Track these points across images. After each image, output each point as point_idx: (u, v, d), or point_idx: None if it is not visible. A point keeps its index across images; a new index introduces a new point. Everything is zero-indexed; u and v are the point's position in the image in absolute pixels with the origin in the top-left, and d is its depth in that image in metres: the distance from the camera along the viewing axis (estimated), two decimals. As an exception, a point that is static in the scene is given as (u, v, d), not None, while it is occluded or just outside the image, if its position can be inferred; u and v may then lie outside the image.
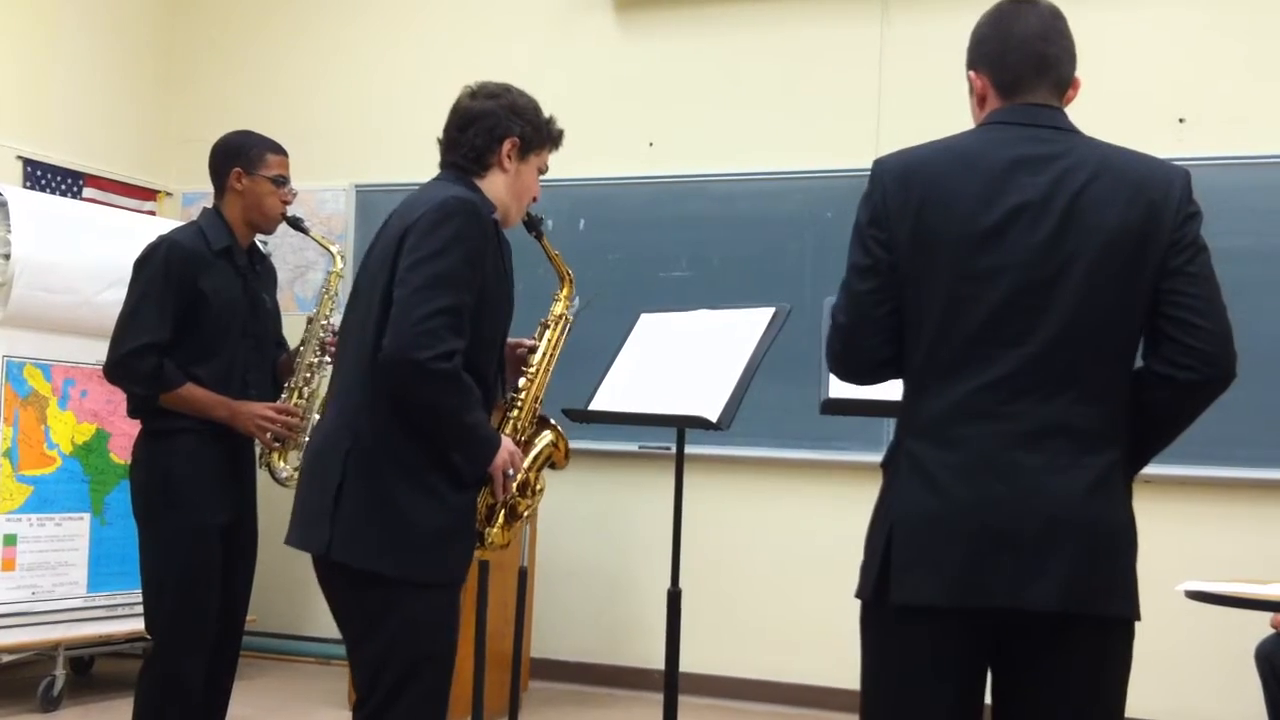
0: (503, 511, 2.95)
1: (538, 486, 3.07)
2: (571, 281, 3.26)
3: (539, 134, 2.98)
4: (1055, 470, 2.13)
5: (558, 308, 3.22)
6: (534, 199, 3.04)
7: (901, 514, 2.21)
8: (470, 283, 2.71)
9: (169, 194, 6.97)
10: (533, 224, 3.14)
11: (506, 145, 2.92)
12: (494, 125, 2.91)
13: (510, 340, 3.07)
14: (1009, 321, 2.15)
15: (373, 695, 2.74)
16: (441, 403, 2.69)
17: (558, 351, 3.19)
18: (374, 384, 2.73)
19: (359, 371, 2.78)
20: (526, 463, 3.02)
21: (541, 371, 3.13)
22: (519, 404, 3.08)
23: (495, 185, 2.93)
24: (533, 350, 3.15)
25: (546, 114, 3.02)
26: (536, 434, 3.10)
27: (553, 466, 3.16)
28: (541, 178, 3.06)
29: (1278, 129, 5.33)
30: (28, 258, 5.12)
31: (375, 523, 2.70)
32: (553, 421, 3.14)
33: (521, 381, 3.11)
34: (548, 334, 3.18)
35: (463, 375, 2.67)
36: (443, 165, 2.98)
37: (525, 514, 3.03)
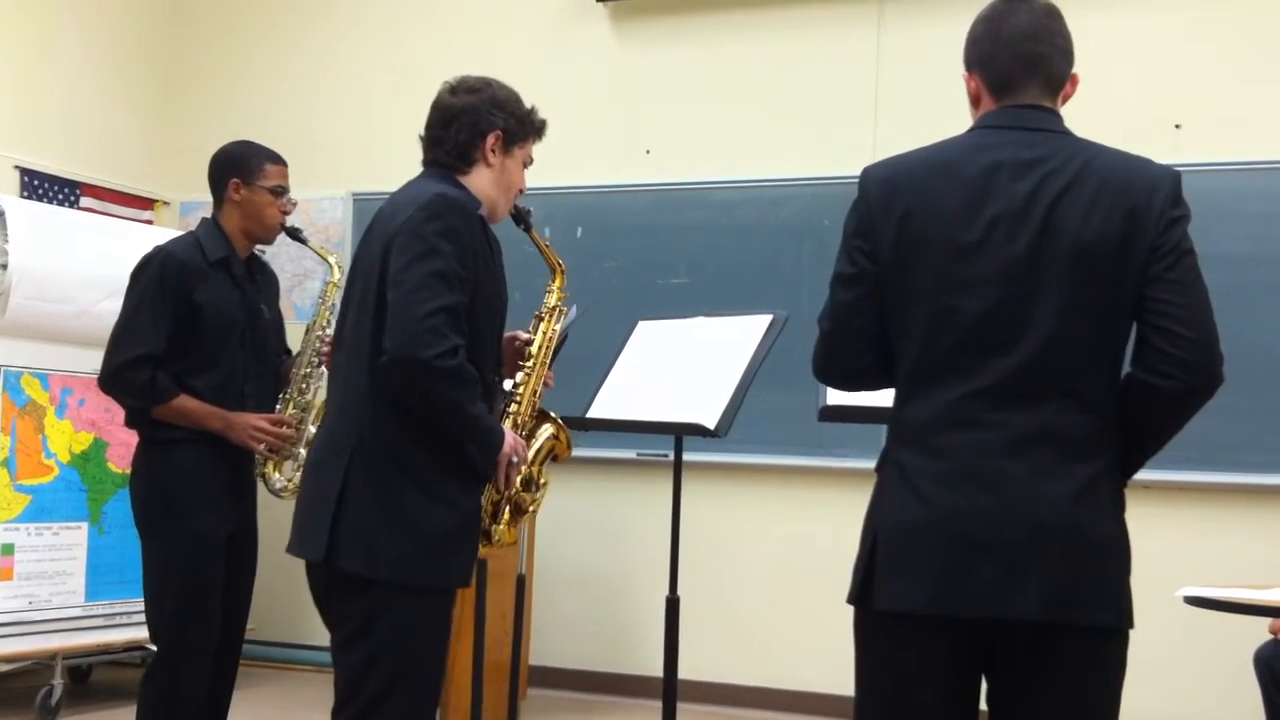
0: (508, 508, 2.94)
1: (541, 481, 3.05)
2: (563, 272, 3.25)
3: (522, 126, 2.96)
4: (1040, 478, 2.12)
5: (551, 299, 3.20)
6: (520, 191, 3.02)
7: (885, 521, 2.22)
8: (464, 281, 2.69)
9: (166, 203, 6.97)
10: (520, 217, 3.13)
11: (490, 140, 2.90)
12: (476, 120, 2.89)
13: (506, 335, 3.05)
14: (993, 330, 2.15)
15: (353, 700, 2.70)
16: (450, 398, 2.66)
17: (554, 343, 3.17)
18: (374, 388, 2.71)
19: (357, 376, 2.76)
20: (529, 455, 3.00)
21: (539, 364, 3.11)
22: (518, 398, 3.06)
23: (481, 181, 2.91)
24: (528, 343, 3.13)
25: (529, 105, 2.99)
26: (537, 427, 3.09)
27: (555, 459, 3.14)
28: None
29: (1275, 134, 5.34)
30: (25, 267, 5.12)
31: (379, 528, 2.68)
32: (552, 414, 3.12)
33: (519, 376, 3.09)
34: (542, 326, 3.16)
35: (469, 368, 2.66)
36: (425, 163, 2.95)
37: (531, 509, 3.02)
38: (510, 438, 2.83)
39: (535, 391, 3.10)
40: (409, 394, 2.68)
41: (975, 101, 2.33)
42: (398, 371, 2.64)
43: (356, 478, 2.70)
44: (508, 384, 3.10)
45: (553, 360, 3.63)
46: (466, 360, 2.66)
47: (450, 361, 2.61)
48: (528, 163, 3.02)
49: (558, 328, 3.19)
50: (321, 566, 2.74)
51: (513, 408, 3.04)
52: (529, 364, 3.11)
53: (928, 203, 2.21)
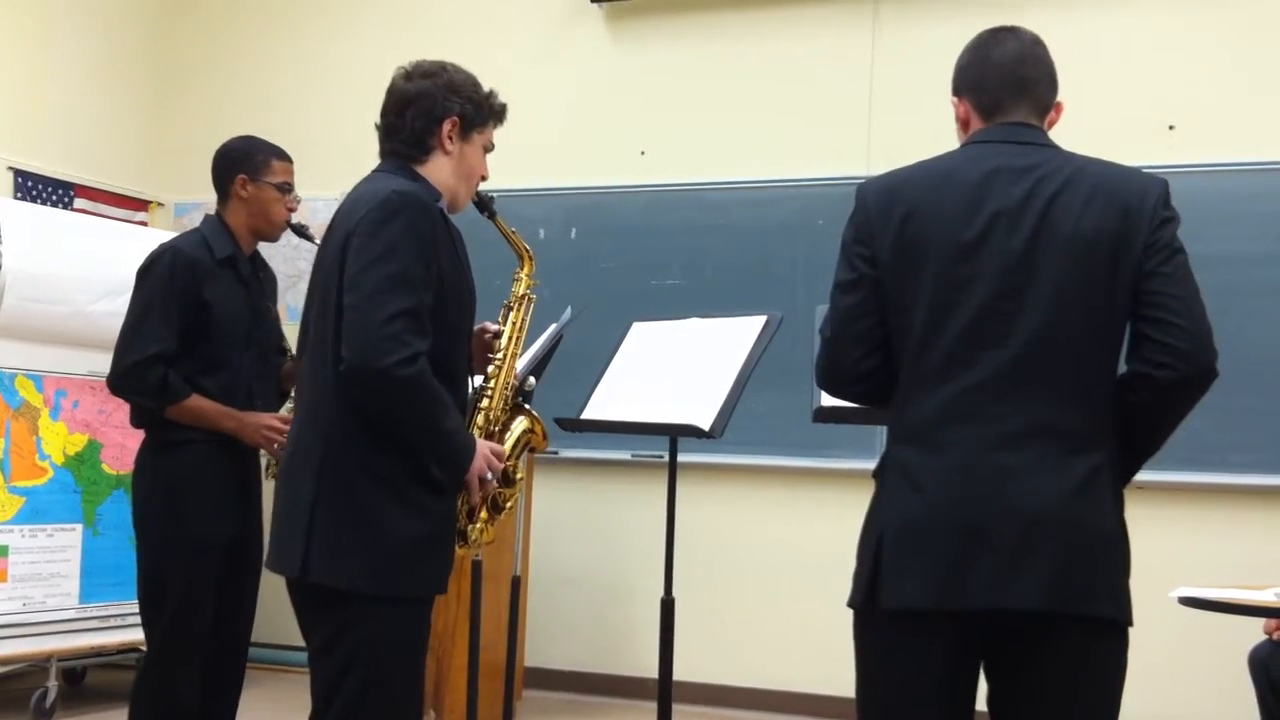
0: (484, 507, 2.89)
1: (517, 475, 3.00)
2: (532, 259, 3.18)
3: (480, 110, 2.84)
4: (1038, 471, 2.15)
5: (519, 287, 3.14)
6: (483, 178, 2.92)
7: (889, 519, 2.24)
8: (426, 281, 2.60)
9: (160, 204, 6.96)
10: (484, 204, 3.05)
11: (446, 125, 2.79)
12: (431, 106, 2.78)
13: (475, 327, 2.98)
14: (988, 326, 2.19)
15: (328, 710, 2.65)
16: (411, 410, 2.59)
17: (524, 334, 3.11)
18: (339, 395, 2.62)
19: (321, 383, 2.68)
20: (505, 449, 2.95)
21: (509, 356, 3.05)
22: (489, 393, 3.00)
23: (439, 169, 2.81)
24: (498, 335, 3.06)
25: (487, 88, 2.89)
26: (510, 421, 3.03)
27: (533, 451, 3.10)
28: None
29: (1268, 136, 5.34)
30: (19, 269, 5.12)
31: (353, 540, 2.60)
32: (526, 406, 3.07)
33: (490, 369, 3.03)
34: (511, 316, 3.10)
35: (431, 379, 2.58)
36: (382, 153, 2.85)
37: (508, 505, 2.97)
38: (481, 454, 2.74)
39: (507, 384, 3.03)
40: (369, 403, 2.60)
41: (964, 125, 2.41)
42: (356, 380, 2.56)
43: (327, 488, 2.62)
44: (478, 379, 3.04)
45: (548, 361, 3.62)
46: (429, 366, 2.57)
47: (409, 370, 2.52)
48: (488, 148, 2.91)
49: (527, 317, 3.13)
50: (299, 581, 2.67)
51: (484, 403, 2.98)
52: (499, 356, 3.04)
53: (928, 205, 2.26)
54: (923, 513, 2.18)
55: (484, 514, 2.91)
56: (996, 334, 2.18)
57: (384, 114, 2.85)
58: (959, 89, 2.40)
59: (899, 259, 2.26)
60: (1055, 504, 2.13)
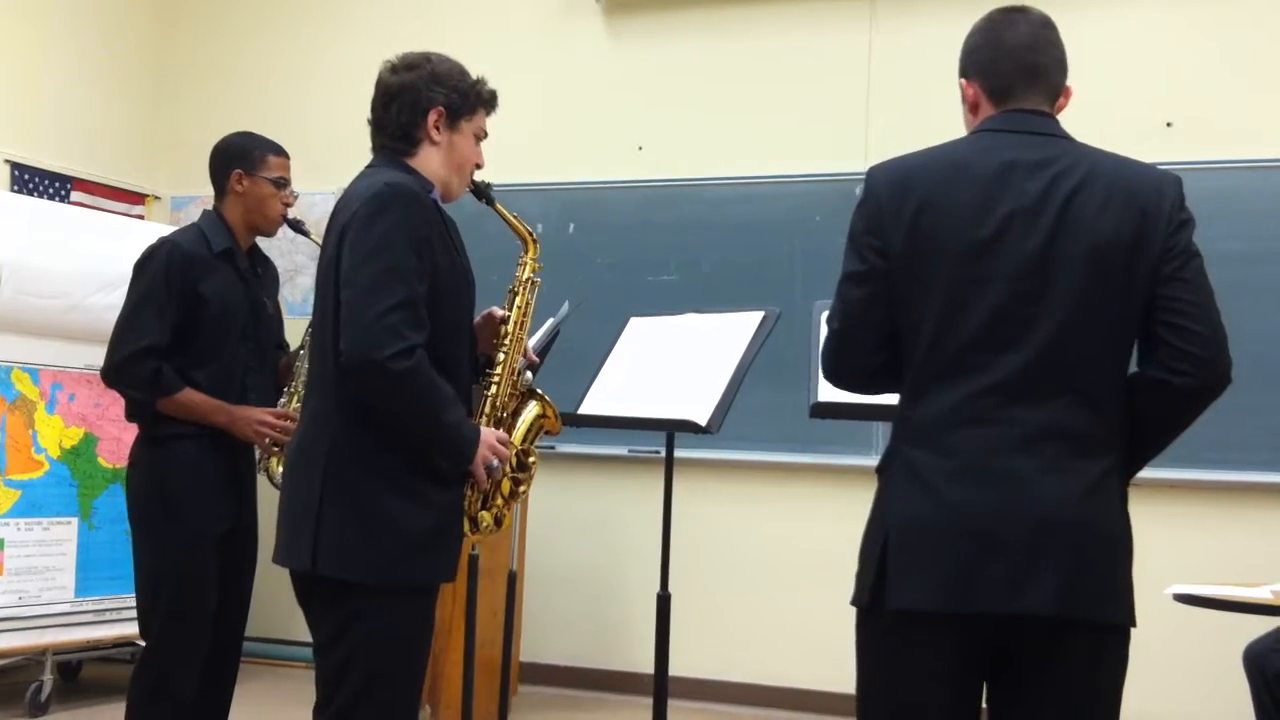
0: (498, 494, 2.89)
1: (530, 460, 2.98)
2: (536, 242, 3.16)
3: (466, 99, 2.84)
4: (1050, 474, 2.13)
5: (524, 271, 3.12)
6: (477, 166, 2.92)
7: (897, 520, 2.20)
8: (420, 272, 2.62)
9: (157, 198, 6.96)
10: (480, 192, 3.04)
11: (432, 116, 2.79)
12: (416, 98, 2.78)
13: (483, 313, 2.98)
14: (1003, 327, 2.16)
15: (332, 702, 2.67)
16: (409, 402, 2.60)
17: (529, 319, 3.10)
18: (340, 389, 2.65)
19: (324, 378, 2.71)
20: (516, 438, 2.94)
21: (515, 341, 3.03)
22: (495, 380, 2.98)
23: (430, 161, 2.82)
24: (503, 320, 3.05)
25: (474, 76, 2.88)
26: (521, 407, 3.02)
27: (547, 434, 3.09)
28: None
29: (1265, 133, 5.35)
30: (15, 262, 5.11)
31: (358, 534, 2.62)
32: (538, 391, 3.05)
33: (498, 356, 3.02)
34: (516, 300, 3.08)
35: (428, 371, 2.59)
36: (374, 149, 2.87)
37: (522, 490, 2.96)
38: (486, 442, 2.75)
39: (514, 370, 3.02)
40: (369, 397, 2.62)
41: (974, 108, 2.35)
42: (354, 374, 2.58)
43: (333, 482, 2.64)
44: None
45: (545, 357, 3.61)
46: (426, 357, 2.59)
47: (405, 362, 2.54)
48: (480, 136, 2.90)
49: (532, 300, 3.11)
50: (307, 574, 2.69)
51: (491, 390, 2.97)
52: (505, 342, 3.02)
53: (942, 199, 2.21)
54: (931, 514, 2.16)
55: (499, 500, 2.90)
56: (1010, 337, 2.15)
57: (373, 108, 2.86)
58: (967, 71, 2.35)
59: (911, 253, 2.21)
60: (1066, 508, 2.12)
